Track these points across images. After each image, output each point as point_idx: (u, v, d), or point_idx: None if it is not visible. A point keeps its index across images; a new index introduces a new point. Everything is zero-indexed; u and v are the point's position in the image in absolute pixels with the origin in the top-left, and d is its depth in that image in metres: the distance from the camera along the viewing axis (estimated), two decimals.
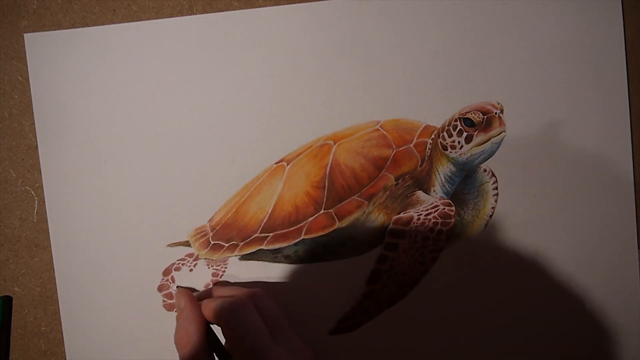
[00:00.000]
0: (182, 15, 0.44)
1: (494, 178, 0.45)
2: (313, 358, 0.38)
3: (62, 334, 0.45)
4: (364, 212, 0.44)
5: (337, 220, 0.44)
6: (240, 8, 0.44)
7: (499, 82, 0.45)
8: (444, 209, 0.44)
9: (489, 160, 0.45)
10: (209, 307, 0.38)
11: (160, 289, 0.45)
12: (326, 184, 0.44)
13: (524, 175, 0.45)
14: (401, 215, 0.44)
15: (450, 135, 0.44)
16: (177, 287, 0.44)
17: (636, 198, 0.45)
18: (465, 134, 0.43)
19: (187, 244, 0.45)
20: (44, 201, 0.45)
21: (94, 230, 0.45)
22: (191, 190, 0.44)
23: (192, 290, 0.44)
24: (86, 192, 0.44)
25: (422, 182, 0.45)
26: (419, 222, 0.44)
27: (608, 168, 0.45)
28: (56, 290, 0.45)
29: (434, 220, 0.44)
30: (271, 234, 0.44)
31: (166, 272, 0.45)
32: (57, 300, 0.45)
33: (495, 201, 0.45)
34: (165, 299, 0.45)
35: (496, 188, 0.45)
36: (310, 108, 0.44)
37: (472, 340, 0.45)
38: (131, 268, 0.45)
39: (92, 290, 0.45)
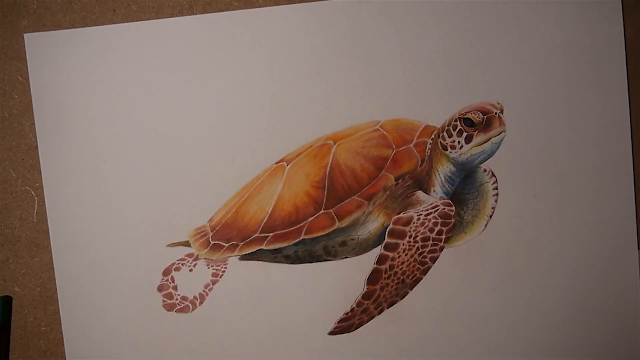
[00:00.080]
0: (182, 15, 0.44)
1: (494, 178, 0.45)
2: None
3: (62, 334, 0.45)
4: (364, 212, 0.44)
5: (337, 220, 0.44)
6: (240, 8, 0.44)
7: (499, 82, 0.45)
8: (444, 209, 0.44)
9: (489, 160, 0.45)
10: None
11: (160, 289, 0.45)
12: (326, 184, 0.44)
13: (524, 175, 0.45)
14: (401, 215, 0.44)
15: (450, 135, 0.44)
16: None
17: (636, 198, 0.45)
18: (465, 134, 0.43)
19: (187, 244, 0.45)
20: (44, 201, 0.45)
21: (94, 230, 0.45)
22: (191, 190, 0.44)
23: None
24: (86, 192, 0.44)
25: (422, 182, 0.45)
26: (419, 222, 0.44)
27: (608, 168, 0.45)
28: (56, 290, 0.45)
29: (434, 220, 0.44)
30: (271, 234, 0.44)
31: (166, 272, 0.45)
32: (57, 300, 0.45)
33: (495, 201, 0.45)
34: (165, 299, 0.45)
35: (496, 188, 0.45)
36: (310, 108, 0.44)
37: (472, 340, 0.45)
38: (131, 268, 0.45)
39: (92, 290, 0.45)
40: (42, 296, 0.45)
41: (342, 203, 0.44)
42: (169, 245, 0.45)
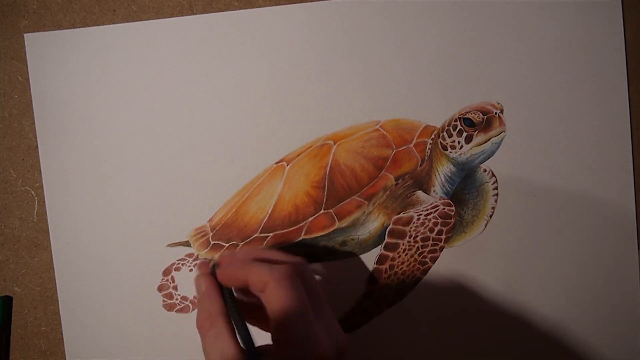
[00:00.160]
0: (182, 15, 0.44)
1: (494, 178, 0.45)
2: (346, 338, 0.35)
3: (62, 334, 0.45)
4: (364, 212, 0.44)
5: (337, 220, 0.44)
6: (240, 8, 0.44)
7: (499, 82, 0.45)
8: (444, 209, 0.44)
9: (489, 160, 0.45)
10: (252, 272, 0.33)
11: (160, 289, 0.45)
12: (326, 184, 0.44)
13: (524, 175, 0.45)
14: (401, 215, 0.44)
15: (450, 135, 0.44)
16: (196, 265, 0.43)
17: (636, 198, 0.45)
18: (465, 134, 0.43)
19: (187, 244, 0.45)
20: (44, 201, 0.45)
21: (94, 230, 0.45)
22: (191, 190, 0.44)
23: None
24: (86, 192, 0.44)
25: (422, 182, 0.45)
26: (419, 222, 0.44)
27: (608, 168, 0.45)
28: (56, 290, 0.45)
29: (434, 220, 0.44)
30: (271, 234, 0.44)
31: (166, 272, 0.45)
32: (57, 300, 0.45)
33: (495, 201, 0.45)
34: (165, 299, 0.45)
35: (496, 188, 0.45)
36: (310, 108, 0.44)
37: (472, 340, 0.45)
38: (131, 268, 0.45)
39: (92, 291, 0.45)
40: (42, 296, 0.45)
41: (342, 203, 0.44)
42: (169, 245, 0.45)
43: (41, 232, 0.45)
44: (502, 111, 0.44)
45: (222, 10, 0.44)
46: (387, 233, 0.44)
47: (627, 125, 0.45)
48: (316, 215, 0.44)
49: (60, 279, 0.45)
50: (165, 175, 0.44)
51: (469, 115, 0.43)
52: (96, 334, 0.45)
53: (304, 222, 0.44)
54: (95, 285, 0.45)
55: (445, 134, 0.44)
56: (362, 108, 0.44)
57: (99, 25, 0.44)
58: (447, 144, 0.44)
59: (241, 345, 0.33)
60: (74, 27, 0.44)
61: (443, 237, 0.44)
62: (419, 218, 0.44)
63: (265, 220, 0.44)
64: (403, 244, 0.44)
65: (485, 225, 0.45)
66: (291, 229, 0.44)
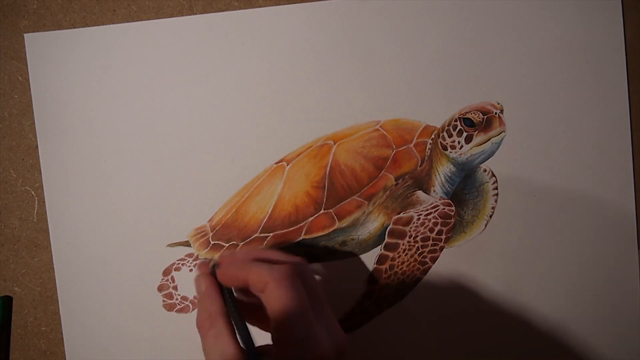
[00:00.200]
0: (182, 15, 0.44)
1: (494, 178, 0.45)
2: (346, 338, 0.35)
3: (62, 334, 0.45)
4: (364, 212, 0.44)
5: (337, 220, 0.44)
6: (240, 8, 0.44)
7: (499, 82, 0.45)
8: (444, 209, 0.44)
9: (489, 160, 0.45)
10: (252, 272, 0.33)
11: (160, 289, 0.45)
12: (326, 184, 0.44)
13: (524, 175, 0.45)
14: (401, 215, 0.44)
15: (450, 135, 0.44)
16: (196, 265, 0.43)
17: (636, 198, 0.45)
18: (465, 134, 0.43)
19: (187, 244, 0.45)
20: (44, 201, 0.45)
21: (94, 230, 0.45)
22: (191, 190, 0.44)
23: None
24: (86, 192, 0.44)
25: (422, 182, 0.45)
26: (419, 222, 0.44)
27: (608, 168, 0.45)
28: (56, 290, 0.45)
29: (434, 220, 0.44)
30: (271, 234, 0.44)
31: (166, 272, 0.45)
32: (57, 300, 0.45)
33: (495, 201, 0.45)
34: (165, 299, 0.45)
35: (496, 188, 0.45)
36: (310, 108, 0.44)
37: (472, 340, 0.45)
38: (131, 268, 0.45)
39: (92, 291, 0.45)
40: (42, 296, 0.45)
41: (342, 203, 0.44)
42: (169, 245, 0.45)
43: (41, 232, 0.45)
44: (502, 111, 0.44)
45: (222, 10, 0.44)
46: (387, 233, 0.44)
47: (627, 125, 0.45)
48: (316, 215, 0.44)
49: (60, 279, 0.45)
50: (165, 175, 0.44)
51: (469, 115, 0.43)
52: (96, 334, 0.45)
53: (304, 222, 0.44)
54: (95, 285, 0.45)
55: (445, 134, 0.44)
56: (362, 108, 0.44)
57: (99, 25, 0.44)
58: (447, 144, 0.44)
59: (241, 345, 0.33)
60: (74, 27, 0.44)
61: (443, 237, 0.44)
62: (419, 218, 0.44)
63: (265, 220, 0.44)
64: (403, 244, 0.44)
65: (485, 225, 0.45)
66: (291, 229, 0.44)
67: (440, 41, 0.44)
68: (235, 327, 0.34)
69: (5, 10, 0.44)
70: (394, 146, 0.45)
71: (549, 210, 0.45)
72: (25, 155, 0.45)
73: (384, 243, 0.44)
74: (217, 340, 0.33)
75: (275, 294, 0.32)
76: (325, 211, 0.44)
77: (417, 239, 0.44)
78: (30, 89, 0.44)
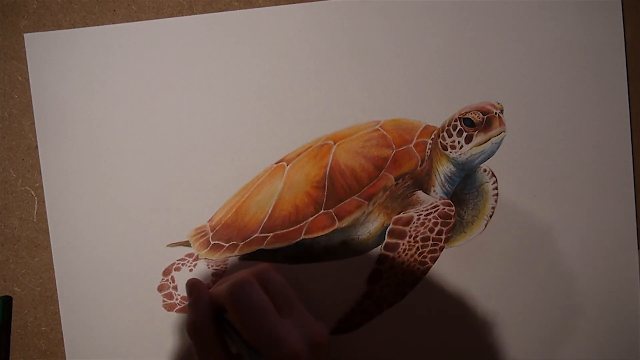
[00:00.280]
0: (182, 15, 0.44)
1: (494, 178, 0.45)
2: (326, 331, 0.37)
3: (62, 334, 0.45)
4: (364, 212, 0.44)
5: (337, 220, 0.44)
6: (240, 8, 0.44)
7: (499, 82, 0.45)
8: (444, 209, 0.44)
9: (489, 160, 0.45)
10: (214, 293, 0.37)
11: (160, 289, 0.45)
12: (326, 184, 0.44)
13: (524, 175, 0.45)
14: (401, 215, 0.44)
15: (450, 135, 0.44)
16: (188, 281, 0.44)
17: (636, 198, 0.45)
18: (465, 134, 0.43)
19: (187, 244, 0.45)
20: (44, 201, 0.45)
21: (94, 230, 0.45)
22: (191, 190, 0.44)
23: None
24: (86, 192, 0.44)
25: (422, 182, 0.45)
26: (419, 222, 0.44)
27: (608, 168, 0.45)
28: (56, 290, 0.45)
29: (434, 220, 0.44)
30: (271, 234, 0.44)
31: (166, 272, 0.45)
32: (57, 300, 0.45)
33: (495, 201, 0.45)
34: (165, 299, 0.45)
35: (496, 188, 0.45)
36: (310, 108, 0.44)
37: (472, 340, 0.45)
38: (131, 268, 0.45)
39: (92, 290, 0.45)
40: (42, 296, 0.45)
41: (342, 203, 0.44)
42: (169, 245, 0.45)
43: (41, 232, 0.45)
44: (502, 111, 0.44)
45: (222, 10, 0.44)
46: (387, 233, 0.44)
47: (627, 125, 0.45)
48: (316, 215, 0.44)
49: (60, 279, 0.45)
50: (165, 175, 0.44)
51: (469, 115, 0.43)
52: (96, 334, 0.45)
53: (304, 222, 0.44)
54: (95, 285, 0.45)
55: (445, 134, 0.44)
56: (362, 108, 0.44)
57: (99, 25, 0.44)
58: (447, 144, 0.44)
59: (241, 347, 0.34)
60: (74, 27, 0.44)
61: (443, 237, 0.44)
62: (419, 218, 0.44)
63: (265, 220, 0.44)
64: (403, 244, 0.44)
65: (485, 225, 0.45)
66: (291, 229, 0.44)
67: (440, 41, 0.44)
68: (233, 332, 0.36)
69: (5, 10, 0.44)
70: (394, 146, 0.45)
71: (549, 210, 0.45)
72: (25, 155, 0.45)
73: (384, 243, 0.44)
74: (203, 348, 0.36)
75: (231, 307, 0.35)
76: (325, 211, 0.44)
77: (417, 239, 0.44)
78: (30, 89, 0.44)
